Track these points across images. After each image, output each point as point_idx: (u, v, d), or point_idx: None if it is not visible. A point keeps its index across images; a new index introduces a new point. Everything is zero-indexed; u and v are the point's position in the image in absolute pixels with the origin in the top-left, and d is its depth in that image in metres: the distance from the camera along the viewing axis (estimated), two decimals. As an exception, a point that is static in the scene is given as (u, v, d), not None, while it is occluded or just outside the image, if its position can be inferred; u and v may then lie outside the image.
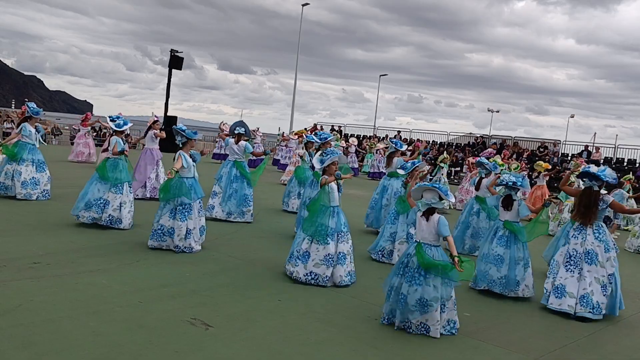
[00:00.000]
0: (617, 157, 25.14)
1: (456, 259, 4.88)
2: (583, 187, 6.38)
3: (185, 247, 7.11)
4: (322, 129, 29.02)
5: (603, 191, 6.43)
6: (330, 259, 6.19)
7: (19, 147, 9.88)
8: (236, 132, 9.96)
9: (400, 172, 8.23)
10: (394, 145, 9.44)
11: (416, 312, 4.99)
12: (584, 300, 6.03)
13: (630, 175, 15.14)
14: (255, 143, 22.38)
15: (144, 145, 12.01)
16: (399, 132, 31.84)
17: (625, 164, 24.19)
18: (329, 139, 9.46)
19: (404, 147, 9.53)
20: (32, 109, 10.15)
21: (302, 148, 11.91)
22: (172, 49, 25.71)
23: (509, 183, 6.75)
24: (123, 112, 9.17)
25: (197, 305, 5.24)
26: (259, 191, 10.25)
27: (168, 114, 25.98)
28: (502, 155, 20.36)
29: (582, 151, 24.10)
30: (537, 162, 14.68)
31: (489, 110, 48.46)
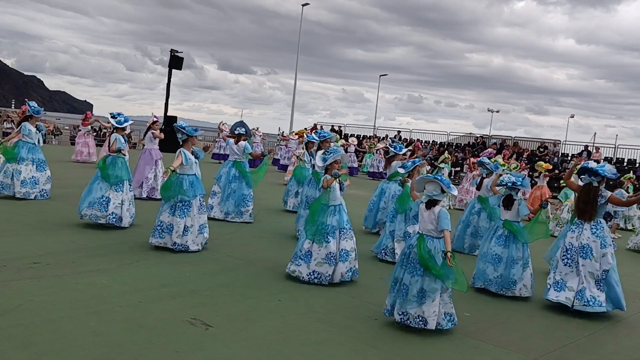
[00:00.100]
0: (617, 157, 25.13)
1: (449, 254, 4.87)
2: (582, 184, 6.39)
3: (182, 245, 7.08)
4: (322, 129, 29.05)
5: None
6: (332, 258, 6.20)
7: (18, 147, 9.88)
8: (236, 132, 9.97)
9: (401, 170, 8.24)
10: (393, 149, 9.44)
11: (414, 303, 5.01)
12: (579, 295, 6.10)
13: (631, 175, 15.14)
14: (254, 143, 22.39)
15: (143, 145, 12.03)
16: (399, 132, 31.84)
17: (625, 164, 24.19)
18: (327, 137, 9.47)
19: (403, 151, 9.52)
20: (32, 108, 10.15)
21: (303, 148, 11.91)
22: (172, 49, 25.70)
23: (509, 183, 6.77)
24: (123, 112, 9.16)
25: (197, 305, 5.24)
26: (259, 191, 10.26)
27: (168, 114, 25.98)
28: (502, 155, 20.36)
29: (582, 151, 24.09)
30: (538, 163, 14.70)
31: (489, 110, 48.51)
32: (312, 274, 6.25)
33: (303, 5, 33.84)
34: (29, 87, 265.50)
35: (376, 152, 23.33)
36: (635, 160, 24.52)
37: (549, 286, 6.36)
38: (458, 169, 25.15)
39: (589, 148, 24.34)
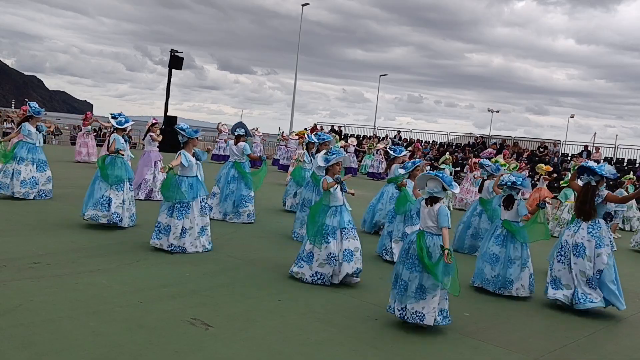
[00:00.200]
0: (617, 157, 25.14)
1: (446, 251, 4.87)
2: (582, 183, 6.41)
3: (179, 247, 7.07)
4: (322, 129, 29.03)
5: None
6: (333, 258, 6.19)
7: (18, 147, 9.89)
8: (236, 133, 9.99)
9: (401, 171, 8.23)
10: (392, 152, 9.45)
11: (412, 299, 5.02)
12: (574, 293, 6.19)
13: (631, 175, 15.14)
14: (254, 143, 22.40)
15: (143, 146, 12.04)
16: (399, 132, 31.85)
17: (625, 164, 24.20)
18: (327, 140, 9.48)
19: (403, 153, 9.52)
20: (33, 108, 10.15)
21: (303, 149, 11.91)
22: (172, 49, 25.71)
23: (508, 183, 6.79)
24: (123, 112, 9.16)
25: (197, 305, 5.24)
26: (259, 191, 10.25)
27: (168, 114, 25.99)
28: (502, 155, 20.37)
29: (582, 151, 24.10)
30: (539, 165, 14.69)
31: (489, 110, 48.52)
32: (314, 275, 6.26)
33: (303, 5, 33.84)
34: (29, 87, 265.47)
35: (376, 153, 23.32)
36: (635, 160, 24.52)
37: (547, 284, 6.44)
38: (458, 169, 25.15)
39: (588, 148, 24.34)
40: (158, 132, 11.61)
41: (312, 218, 6.32)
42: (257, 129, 24.06)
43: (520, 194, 6.97)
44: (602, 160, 23.28)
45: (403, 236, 7.65)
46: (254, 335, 4.66)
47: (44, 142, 10.28)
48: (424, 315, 5.01)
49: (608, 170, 6.27)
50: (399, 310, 5.15)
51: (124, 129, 8.69)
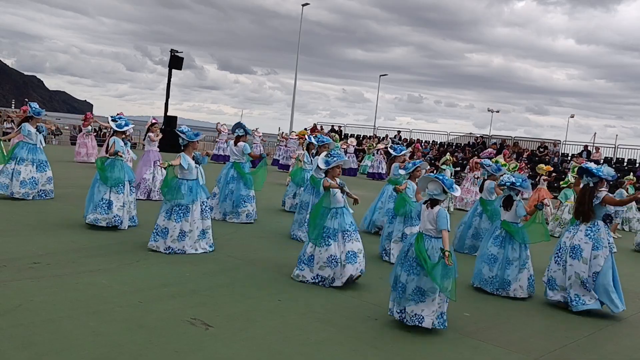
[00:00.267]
0: (617, 157, 25.14)
1: (447, 253, 4.86)
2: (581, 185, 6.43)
3: (178, 249, 7.05)
4: (322, 129, 29.04)
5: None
6: (333, 261, 6.17)
7: (18, 147, 9.89)
8: (235, 134, 10.00)
9: (402, 172, 8.23)
10: (392, 151, 9.44)
11: (411, 302, 5.02)
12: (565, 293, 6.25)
13: (631, 176, 15.15)
14: (254, 144, 22.39)
15: (144, 146, 12.06)
16: (399, 132, 31.86)
17: (625, 164, 24.20)
18: (326, 142, 9.49)
19: (403, 152, 9.51)
20: (34, 109, 10.14)
21: (303, 149, 11.91)
22: (172, 49, 25.70)
23: (507, 183, 6.79)
24: (123, 112, 9.16)
25: (197, 305, 5.24)
26: (259, 191, 10.25)
27: (168, 114, 25.99)
28: (502, 155, 20.38)
29: (582, 151, 24.10)
30: (539, 165, 14.71)
31: (489, 110, 48.54)
32: (315, 277, 6.26)
33: (303, 5, 33.85)
34: (29, 87, 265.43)
35: (377, 153, 23.30)
36: (635, 160, 24.53)
37: (545, 284, 6.49)
38: (458, 169, 25.16)
39: (588, 148, 24.35)
40: (158, 131, 11.62)
41: (313, 220, 6.31)
42: (256, 129, 24.06)
43: (519, 194, 6.96)
44: (602, 161, 23.31)
45: (403, 237, 7.65)
46: (254, 335, 4.66)
47: (44, 142, 10.25)
48: (422, 317, 5.01)
49: (607, 171, 6.27)
50: (397, 313, 5.16)
51: (123, 132, 8.68)
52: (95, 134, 19.15)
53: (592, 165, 6.39)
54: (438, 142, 30.22)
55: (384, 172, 22.14)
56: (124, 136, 8.78)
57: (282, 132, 25.54)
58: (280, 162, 22.30)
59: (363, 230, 9.60)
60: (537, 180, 14.37)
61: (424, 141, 30.27)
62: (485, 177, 9.16)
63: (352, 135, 31.03)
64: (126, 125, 8.58)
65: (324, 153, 6.87)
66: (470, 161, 16.51)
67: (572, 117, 45.76)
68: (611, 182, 8.41)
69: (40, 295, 5.09)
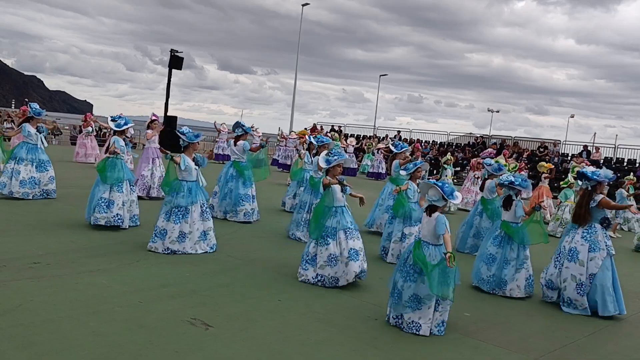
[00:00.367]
0: (617, 157, 25.14)
1: (448, 254, 4.85)
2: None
3: (177, 250, 7.04)
4: (322, 129, 29.03)
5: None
6: (333, 259, 6.18)
7: (18, 147, 9.90)
8: (235, 133, 10.03)
9: (403, 173, 8.24)
10: (394, 148, 9.44)
11: (408, 309, 5.02)
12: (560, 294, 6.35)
13: (632, 176, 15.15)
14: (253, 144, 22.34)
15: (143, 145, 12.07)
16: (399, 132, 31.86)
17: (625, 164, 24.19)
18: (326, 143, 9.51)
19: (404, 149, 9.50)
20: (34, 109, 10.14)
21: (304, 148, 11.93)
22: (172, 49, 25.67)
23: (506, 182, 6.82)
24: (123, 112, 9.18)
25: (197, 305, 5.24)
26: (259, 191, 10.26)
27: (168, 114, 25.98)
28: (502, 154, 20.39)
29: (582, 151, 24.10)
30: (540, 164, 14.72)
31: (489, 110, 48.54)
32: (317, 277, 6.26)
33: (303, 5, 33.85)
34: (29, 87, 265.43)
35: (377, 152, 23.30)
36: (635, 160, 24.52)
37: (542, 286, 6.56)
38: (458, 169, 25.17)
39: (588, 148, 24.35)
40: (157, 129, 11.58)
41: (315, 220, 6.31)
42: (256, 129, 24.01)
43: (519, 194, 6.95)
44: (601, 161, 23.32)
45: (402, 237, 7.65)
46: (254, 335, 4.66)
47: (44, 142, 10.25)
48: (420, 325, 5.01)
49: (604, 174, 6.32)
50: (394, 319, 5.17)
51: (123, 131, 8.68)
52: (95, 134, 19.19)
53: (588, 169, 6.48)
54: (438, 142, 30.22)
55: (384, 172, 22.15)
56: (124, 136, 8.79)
57: (282, 132, 25.51)
58: (279, 162, 22.29)
59: (366, 230, 9.62)
60: (540, 175, 14.38)
61: (424, 141, 30.27)
62: (486, 177, 9.18)
63: (351, 135, 31.03)
64: (125, 124, 8.57)
65: (325, 152, 6.87)
66: (472, 161, 16.54)
67: (572, 117, 45.82)
68: (610, 183, 8.42)
69: (40, 295, 5.09)
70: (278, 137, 24.81)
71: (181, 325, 4.70)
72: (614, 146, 25.97)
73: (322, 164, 6.44)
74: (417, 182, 7.81)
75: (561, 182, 12.77)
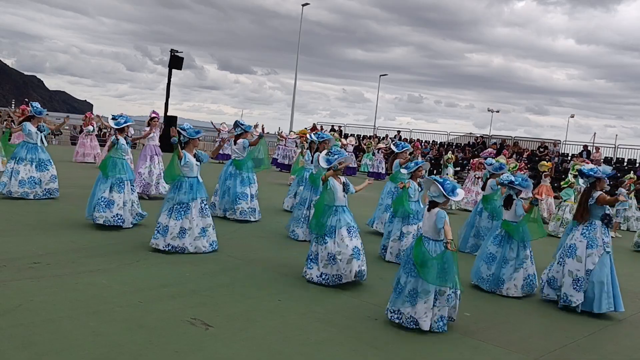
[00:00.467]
0: (617, 157, 25.13)
1: (449, 241, 4.91)
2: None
3: (177, 247, 7.05)
4: (322, 129, 29.02)
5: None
6: (332, 258, 6.18)
7: (18, 147, 9.90)
8: (235, 133, 10.04)
9: (404, 171, 8.24)
10: (395, 147, 9.45)
11: (407, 302, 5.06)
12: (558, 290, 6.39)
13: (632, 175, 15.15)
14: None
15: (143, 145, 12.06)
16: (399, 132, 31.85)
17: (625, 164, 24.18)
18: (326, 138, 9.52)
19: (404, 148, 9.50)
20: (35, 108, 10.14)
21: (305, 147, 11.94)
22: (172, 49, 25.67)
23: (506, 181, 6.84)
24: (123, 112, 9.14)
25: (197, 305, 5.24)
26: (259, 191, 10.26)
27: (168, 113, 25.98)
28: (502, 154, 20.38)
29: (582, 151, 24.09)
30: (541, 163, 14.73)
31: (489, 110, 48.53)
32: (320, 275, 6.27)
33: (303, 5, 33.84)
34: (29, 87, 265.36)
35: (377, 152, 23.30)
36: (635, 160, 24.50)
37: (542, 282, 6.59)
38: (458, 169, 25.17)
39: (588, 148, 24.33)
40: (156, 127, 11.58)
41: (317, 219, 6.31)
42: (256, 126, 23.95)
43: (519, 194, 6.95)
44: (602, 161, 23.30)
45: (400, 236, 7.68)
46: (254, 335, 4.66)
47: (46, 141, 10.25)
48: (417, 320, 5.04)
49: (603, 170, 6.37)
50: (392, 313, 5.19)
51: (123, 130, 8.68)
52: (96, 134, 19.19)
53: (587, 166, 6.54)
54: (438, 142, 30.21)
55: (384, 172, 22.15)
56: (125, 135, 8.79)
57: (281, 132, 25.51)
58: (278, 162, 22.30)
59: (367, 230, 9.62)
60: (540, 175, 14.39)
61: (424, 141, 30.25)
62: (488, 177, 9.19)
63: (351, 135, 31.02)
64: (125, 122, 8.58)
65: (325, 151, 6.88)
66: (473, 161, 16.55)
67: (572, 117, 45.83)
68: (611, 182, 8.44)
69: (40, 295, 5.09)
70: (278, 137, 24.81)
71: (181, 325, 4.70)
72: (614, 146, 25.96)
73: (323, 164, 6.44)
74: (418, 180, 7.83)
75: (561, 182, 12.79)
